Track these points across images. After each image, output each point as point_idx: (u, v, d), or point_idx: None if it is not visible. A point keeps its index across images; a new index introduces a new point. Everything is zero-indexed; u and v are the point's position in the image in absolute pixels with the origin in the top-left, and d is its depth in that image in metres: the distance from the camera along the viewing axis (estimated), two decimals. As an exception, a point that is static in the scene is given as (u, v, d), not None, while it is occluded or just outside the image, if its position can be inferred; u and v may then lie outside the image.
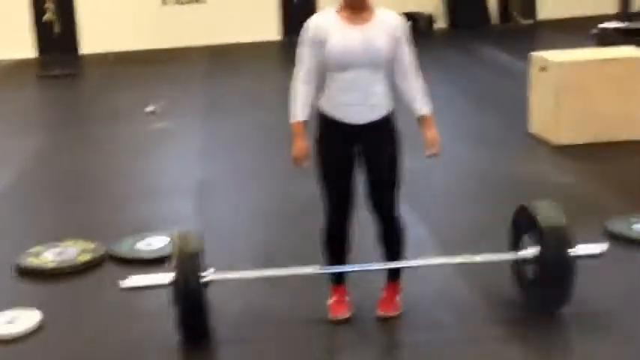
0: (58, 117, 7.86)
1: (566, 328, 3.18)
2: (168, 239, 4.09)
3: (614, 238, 3.87)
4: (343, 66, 2.95)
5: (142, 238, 4.15)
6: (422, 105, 3.09)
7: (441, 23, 12.10)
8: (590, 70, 5.59)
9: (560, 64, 5.61)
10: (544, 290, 3.14)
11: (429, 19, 11.97)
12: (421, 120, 3.10)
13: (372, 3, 3.03)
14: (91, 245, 4.07)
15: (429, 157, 3.12)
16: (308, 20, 3.04)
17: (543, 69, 5.74)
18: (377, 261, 3.31)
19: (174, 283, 2.92)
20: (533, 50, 6.26)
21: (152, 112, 7.40)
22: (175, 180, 5.40)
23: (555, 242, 3.07)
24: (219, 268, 3.17)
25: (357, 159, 3.12)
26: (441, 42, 11.21)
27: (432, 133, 3.08)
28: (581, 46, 6.57)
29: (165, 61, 10.71)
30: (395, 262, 3.23)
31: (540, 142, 5.82)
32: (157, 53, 11.30)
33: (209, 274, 3.03)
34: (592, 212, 4.29)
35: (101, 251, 4.01)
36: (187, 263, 2.93)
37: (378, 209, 3.16)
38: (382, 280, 3.31)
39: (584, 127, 5.61)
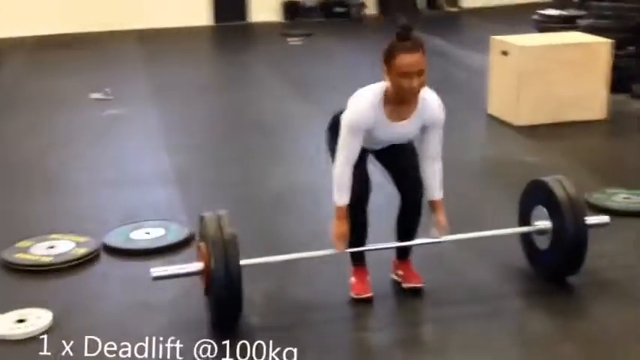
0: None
1: (578, 294, 3.36)
2: (163, 229, 3.97)
3: (596, 210, 4.08)
4: (376, 145, 3.20)
5: (137, 228, 3.99)
6: (438, 191, 3.26)
7: (372, 10, 12.27)
8: (549, 55, 5.84)
9: (522, 49, 5.83)
10: (561, 259, 3.31)
11: (361, 6, 12.14)
12: (433, 204, 3.26)
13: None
14: (83, 238, 3.88)
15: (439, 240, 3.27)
16: (355, 108, 3.03)
17: (505, 53, 5.95)
18: (390, 240, 3.40)
19: (214, 270, 2.84)
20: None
21: (100, 99, 7.09)
22: (148, 168, 5.20)
23: (573, 212, 3.25)
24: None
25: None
26: (373, 28, 11.34)
27: (443, 217, 3.25)
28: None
29: (93, 46, 10.25)
30: (418, 240, 3.38)
31: (501, 123, 6.03)
32: (83, 38, 10.79)
33: (245, 260, 2.96)
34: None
35: (96, 244, 3.83)
36: (227, 249, 2.84)
37: (410, 190, 3.30)
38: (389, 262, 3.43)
39: (543, 108, 5.88)
